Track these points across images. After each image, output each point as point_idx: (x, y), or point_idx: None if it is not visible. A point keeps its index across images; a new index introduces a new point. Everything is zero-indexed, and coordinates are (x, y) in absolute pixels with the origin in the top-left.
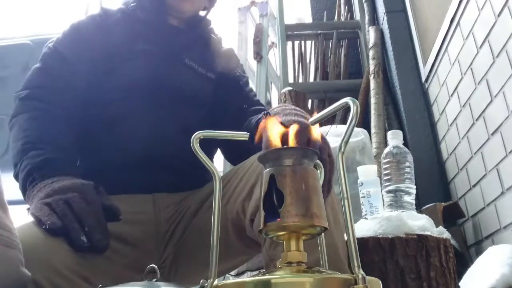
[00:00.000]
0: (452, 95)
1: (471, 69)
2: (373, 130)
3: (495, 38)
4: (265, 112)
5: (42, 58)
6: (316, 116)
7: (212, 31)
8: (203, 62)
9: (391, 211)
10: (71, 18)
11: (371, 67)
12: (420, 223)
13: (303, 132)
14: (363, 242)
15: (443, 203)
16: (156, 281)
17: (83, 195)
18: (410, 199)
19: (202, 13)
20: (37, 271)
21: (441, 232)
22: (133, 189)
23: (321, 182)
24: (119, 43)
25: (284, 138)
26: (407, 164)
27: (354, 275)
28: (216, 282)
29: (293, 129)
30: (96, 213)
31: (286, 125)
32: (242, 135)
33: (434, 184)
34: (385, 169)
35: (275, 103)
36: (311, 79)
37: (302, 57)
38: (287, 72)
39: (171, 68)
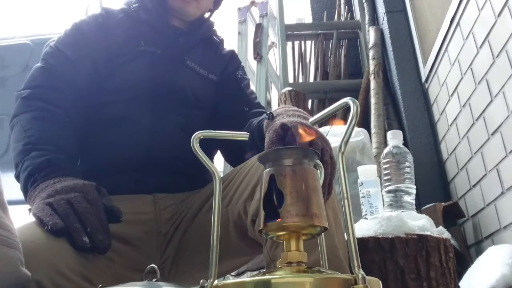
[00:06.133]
0: (452, 95)
1: (471, 69)
2: (373, 130)
3: (495, 38)
4: (268, 113)
5: (43, 57)
6: (316, 116)
7: (215, 32)
8: (204, 64)
9: (391, 211)
10: (71, 18)
11: (371, 67)
12: (420, 223)
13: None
14: (363, 242)
15: (443, 203)
16: (156, 281)
17: (85, 195)
18: (410, 199)
19: (205, 14)
20: (39, 271)
21: (441, 232)
22: (134, 190)
23: (321, 182)
24: (121, 43)
25: (287, 139)
26: (407, 164)
27: (354, 275)
28: (216, 282)
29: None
30: (98, 214)
31: (289, 126)
32: (242, 135)
33: (434, 184)
34: (385, 169)
35: (275, 103)
36: (311, 79)
37: (302, 57)
38: (287, 72)
39: (173, 69)
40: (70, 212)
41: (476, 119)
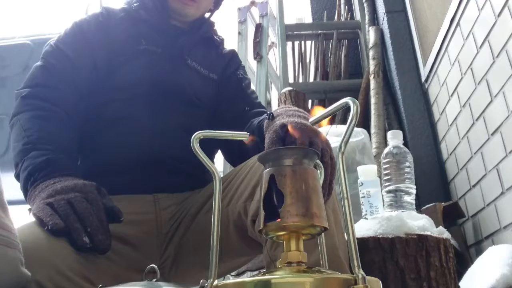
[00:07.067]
0: (452, 95)
1: (471, 69)
2: (373, 130)
3: (495, 38)
4: (268, 113)
5: (43, 56)
6: (316, 116)
7: (215, 32)
8: (205, 63)
9: (391, 211)
10: (71, 18)
11: (371, 67)
12: (420, 223)
13: (305, 133)
14: (363, 242)
15: (443, 203)
16: (156, 281)
17: (85, 195)
18: (410, 199)
19: (206, 14)
20: (39, 271)
21: (441, 232)
22: (134, 190)
23: (320, 182)
24: (122, 42)
25: (287, 139)
26: (407, 164)
27: (354, 275)
28: (216, 282)
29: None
30: (98, 214)
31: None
32: (242, 135)
33: (434, 184)
34: (385, 169)
35: (275, 103)
36: (311, 79)
37: (302, 57)
38: (287, 72)
39: (174, 68)
40: (70, 212)
41: (476, 119)
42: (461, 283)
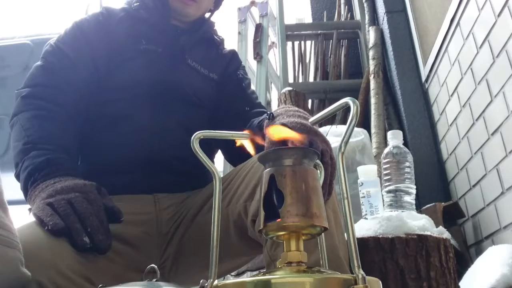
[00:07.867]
0: (452, 95)
1: (471, 69)
2: (373, 130)
3: (495, 38)
4: (269, 113)
5: (43, 56)
6: (316, 116)
7: (215, 32)
8: (205, 63)
9: (391, 211)
10: (71, 18)
11: (371, 67)
12: (420, 223)
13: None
14: (363, 242)
15: (443, 203)
16: (156, 281)
17: (86, 196)
18: (410, 199)
19: (206, 14)
20: (39, 271)
21: (441, 232)
22: (134, 190)
23: (320, 182)
24: (122, 42)
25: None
26: (407, 164)
27: (354, 275)
28: (216, 282)
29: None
30: (99, 214)
31: (289, 126)
32: (242, 135)
33: (434, 184)
34: (385, 169)
35: (275, 103)
36: (311, 79)
37: (302, 57)
38: (287, 72)
39: (174, 68)
40: (71, 212)
41: (476, 119)
42: (461, 283)
